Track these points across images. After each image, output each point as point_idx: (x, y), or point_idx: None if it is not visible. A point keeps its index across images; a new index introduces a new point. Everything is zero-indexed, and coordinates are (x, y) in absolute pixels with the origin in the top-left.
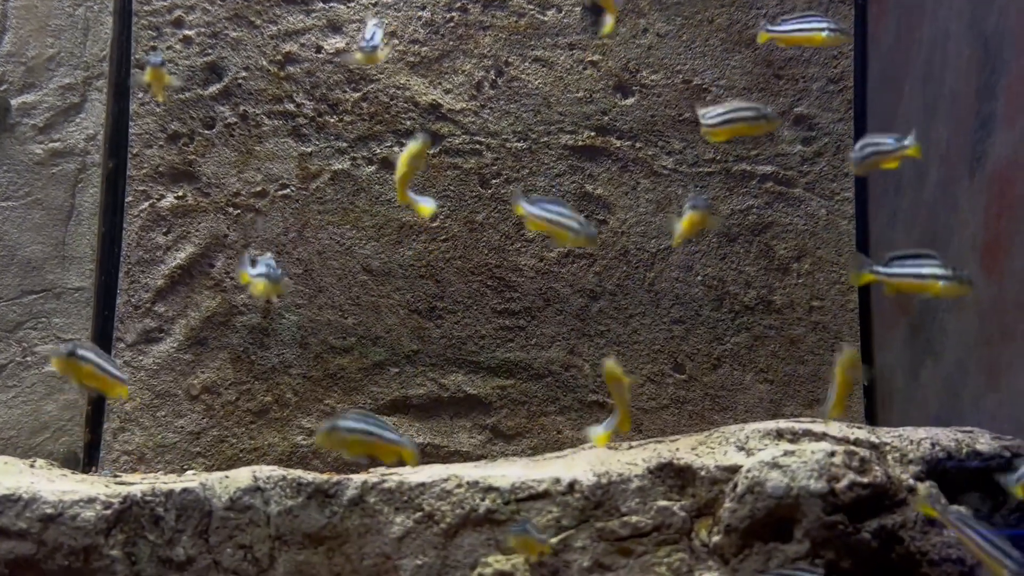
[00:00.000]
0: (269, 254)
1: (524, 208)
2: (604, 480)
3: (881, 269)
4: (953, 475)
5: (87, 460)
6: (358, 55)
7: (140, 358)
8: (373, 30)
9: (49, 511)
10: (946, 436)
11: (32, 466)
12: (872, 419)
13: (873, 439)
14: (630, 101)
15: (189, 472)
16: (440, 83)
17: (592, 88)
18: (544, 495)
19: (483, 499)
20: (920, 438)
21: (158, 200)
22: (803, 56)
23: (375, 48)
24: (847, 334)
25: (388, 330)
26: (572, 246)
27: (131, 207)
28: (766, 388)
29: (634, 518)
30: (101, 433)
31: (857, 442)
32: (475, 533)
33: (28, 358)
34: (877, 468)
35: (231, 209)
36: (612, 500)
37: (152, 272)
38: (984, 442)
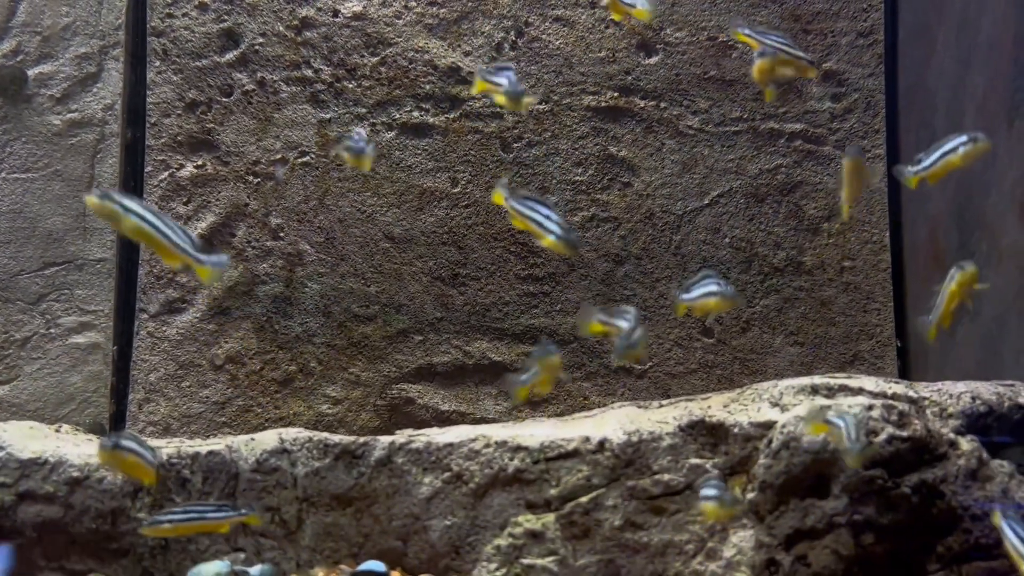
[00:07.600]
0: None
1: (508, 202)
2: (635, 438)
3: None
4: (994, 429)
5: (113, 431)
6: None
7: (163, 328)
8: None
9: (76, 474)
10: (987, 390)
11: (58, 431)
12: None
13: (911, 393)
14: (654, 60)
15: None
16: (459, 45)
17: (615, 47)
18: (574, 454)
19: (512, 459)
20: (960, 392)
21: (177, 169)
22: (832, 10)
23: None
24: (879, 294)
25: (411, 298)
26: (552, 249)
27: (151, 177)
28: (796, 351)
29: (666, 476)
30: (126, 404)
31: (895, 396)
32: (504, 493)
33: (52, 330)
34: (916, 422)
35: (251, 178)
36: (643, 458)
37: None
38: None
